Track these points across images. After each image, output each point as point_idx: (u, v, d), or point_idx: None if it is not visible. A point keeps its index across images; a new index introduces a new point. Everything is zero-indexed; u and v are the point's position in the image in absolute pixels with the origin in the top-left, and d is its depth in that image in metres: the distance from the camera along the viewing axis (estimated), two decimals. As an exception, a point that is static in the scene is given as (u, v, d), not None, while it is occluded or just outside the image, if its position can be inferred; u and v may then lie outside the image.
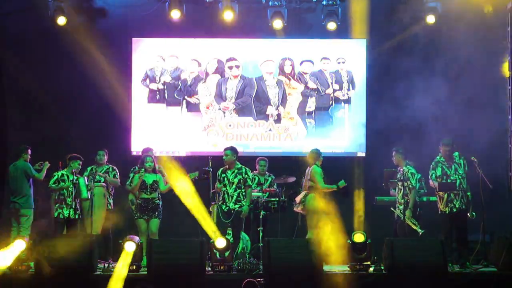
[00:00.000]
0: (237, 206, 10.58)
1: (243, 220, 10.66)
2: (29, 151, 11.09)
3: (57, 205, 10.67)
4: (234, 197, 10.61)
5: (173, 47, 12.80)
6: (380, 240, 9.96)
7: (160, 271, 9.06)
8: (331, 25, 12.31)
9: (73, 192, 10.63)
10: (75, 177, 10.64)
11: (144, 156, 10.93)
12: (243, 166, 10.74)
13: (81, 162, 10.81)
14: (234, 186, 10.62)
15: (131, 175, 10.95)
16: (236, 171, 10.67)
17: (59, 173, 10.76)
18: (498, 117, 12.33)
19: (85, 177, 10.81)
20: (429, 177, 10.49)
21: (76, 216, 10.69)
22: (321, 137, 12.61)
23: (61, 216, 10.64)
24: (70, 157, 10.79)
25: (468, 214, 10.43)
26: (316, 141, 12.44)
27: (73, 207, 10.66)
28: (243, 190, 10.60)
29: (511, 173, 12.12)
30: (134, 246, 9.47)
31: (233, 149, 10.75)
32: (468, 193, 10.36)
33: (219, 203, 10.60)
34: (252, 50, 12.82)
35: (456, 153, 10.43)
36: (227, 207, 10.59)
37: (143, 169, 10.69)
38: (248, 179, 10.67)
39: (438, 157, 10.50)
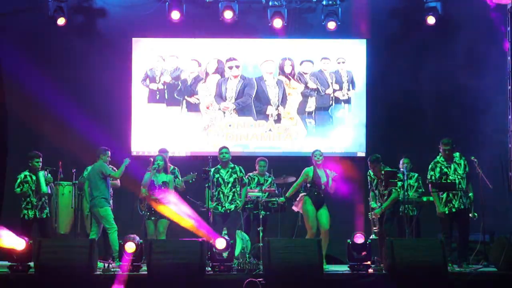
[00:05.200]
0: (232, 206, 10.63)
1: (238, 220, 10.69)
2: (109, 152, 10.90)
3: (23, 206, 10.53)
4: (230, 197, 10.64)
5: (173, 47, 12.80)
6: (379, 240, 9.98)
7: (160, 271, 9.06)
8: (331, 25, 12.32)
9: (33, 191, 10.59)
10: (33, 175, 10.60)
11: (155, 156, 10.82)
12: (235, 165, 10.78)
13: (40, 159, 10.67)
14: (229, 185, 10.66)
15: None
16: (230, 170, 10.72)
17: (22, 175, 10.62)
18: (498, 117, 12.34)
19: (45, 172, 10.69)
20: (428, 178, 10.45)
21: (44, 215, 10.62)
22: (321, 137, 12.62)
23: (26, 217, 10.51)
24: (32, 155, 10.67)
25: (470, 214, 10.42)
26: (316, 141, 12.46)
27: (39, 207, 10.59)
28: (238, 189, 10.67)
29: (511, 173, 12.13)
30: (134, 246, 9.48)
31: (228, 148, 10.87)
32: (471, 194, 10.32)
33: (214, 204, 10.59)
34: (252, 50, 12.82)
35: (457, 154, 10.38)
36: (223, 207, 10.61)
37: (154, 167, 10.57)
38: (243, 177, 10.77)
39: (437, 157, 10.47)
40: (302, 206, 10.68)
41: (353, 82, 12.73)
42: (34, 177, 10.64)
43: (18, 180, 10.60)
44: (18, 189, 10.55)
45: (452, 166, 10.31)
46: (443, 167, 10.31)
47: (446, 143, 10.35)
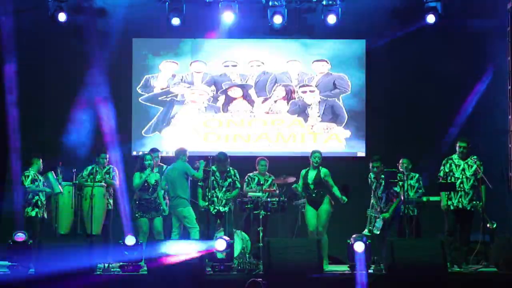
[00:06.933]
0: (226, 208, 10.61)
1: (238, 220, 10.69)
2: (187, 152, 10.91)
3: (32, 204, 10.66)
4: (224, 201, 10.62)
5: (173, 47, 12.80)
6: (379, 240, 9.99)
7: (161, 271, 9.05)
8: (331, 19, 12.27)
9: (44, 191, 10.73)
10: (40, 176, 10.74)
11: (144, 155, 10.84)
12: (231, 168, 10.76)
13: (41, 160, 10.86)
14: (224, 189, 10.64)
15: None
16: (225, 174, 10.69)
17: (31, 173, 10.74)
18: (498, 117, 12.35)
19: (53, 172, 10.77)
20: (438, 173, 10.43)
21: (46, 216, 10.82)
22: (322, 137, 12.62)
23: (39, 215, 10.69)
24: (34, 156, 10.82)
25: (488, 224, 10.38)
26: (316, 141, 12.47)
27: (44, 206, 10.77)
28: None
29: (511, 173, 12.13)
30: (134, 240, 9.51)
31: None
32: (480, 204, 10.18)
33: (206, 204, 10.56)
34: (252, 50, 12.82)
35: (475, 157, 10.29)
36: (216, 210, 10.59)
37: (148, 169, 10.60)
38: (237, 181, 10.77)
39: (454, 154, 10.40)
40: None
41: (353, 83, 12.72)
42: (40, 177, 10.77)
43: (30, 177, 10.72)
44: (33, 185, 10.69)
45: (462, 165, 10.26)
46: (453, 165, 10.28)
47: (462, 141, 10.29)
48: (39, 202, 10.74)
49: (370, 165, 10.62)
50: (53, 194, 10.76)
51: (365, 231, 10.39)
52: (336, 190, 10.66)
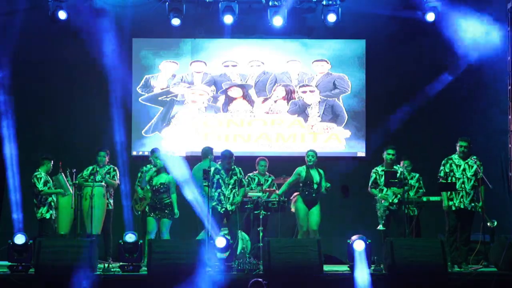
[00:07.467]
0: (233, 207, 10.58)
1: (238, 220, 10.69)
2: (213, 150, 10.97)
3: (45, 206, 10.75)
4: (231, 199, 10.60)
5: (173, 47, 12.80)
6: (379, 240, 9.98)
7: (160, 271, 9.06)
8: (331, 17, 12.27)
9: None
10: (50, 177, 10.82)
11: (153, 155, 10.89)
12: (235, 167, 10.74)
13: (52, 162, 10.93)
14: (230, 187, 10.61)
15: (139, 174, 10.98)
16: (230, 172, 10.67)
17: (42, 175, 10.78)
18: (498, 117, 12.35)
19: (62, 174, 10.81)
20: (438, 173, 10.43)
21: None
22: (322, 137, 12.62)
23: (53, 217, 10.79)
24: (45, 158, 10.87)
25: (488, 223, 10.39)
26: (316, 140, 12.47)
27: (54, 207, 10.84)
28: (237, 190, 10.66)
29: (511, 173, 12.13)
30: (134, 237, 9.54)
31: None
32: (480, 204, 10.18)
33: (214, 204, 10.56)
34: (252, 50, 12.82)
35: (475, 157, 10.28)
36: (223, 208, 10.57)
37: (151, 167, 10.65)
38: (243, 179, 10.73)
39: (454, 154, 10.39)
40: (294, 205, 10.74)
41: (353, 83, 12.73)
42: (48, 178, 10.83)
43: (42, 179, 10.77)
44: (46, 187, 10.76)
45: (463, 165, 10.25)
46: (453, 165, 10.27)
47: (463, 140, 10.28)
48: (52, 203, 10.82)
49: (384, 153, 10.54)
50: (65, 196, 10.80)
51: (380, 227, 10.33)
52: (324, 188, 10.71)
